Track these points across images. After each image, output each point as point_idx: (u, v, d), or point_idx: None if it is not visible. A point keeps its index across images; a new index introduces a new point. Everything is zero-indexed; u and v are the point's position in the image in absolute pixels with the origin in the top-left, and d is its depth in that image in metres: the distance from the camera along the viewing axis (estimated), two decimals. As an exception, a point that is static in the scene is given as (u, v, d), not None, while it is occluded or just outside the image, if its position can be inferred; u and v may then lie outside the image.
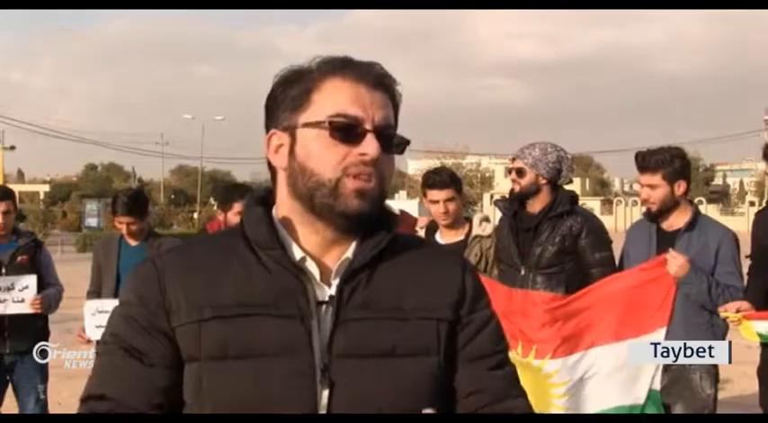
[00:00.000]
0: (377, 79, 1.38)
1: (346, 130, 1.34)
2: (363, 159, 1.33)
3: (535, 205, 3.99)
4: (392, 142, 1.39)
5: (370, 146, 1.33)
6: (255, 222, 1.39)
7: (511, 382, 1.46)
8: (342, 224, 1.36)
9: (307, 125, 1.36)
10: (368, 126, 1.35)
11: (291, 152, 1.38)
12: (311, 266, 1.36)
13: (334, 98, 1.36)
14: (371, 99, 1.36)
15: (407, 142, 1.42)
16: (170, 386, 1.35)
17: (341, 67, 1.38)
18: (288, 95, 1.39)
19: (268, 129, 1.42)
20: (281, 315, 1.32)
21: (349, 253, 1.38)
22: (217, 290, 1.34)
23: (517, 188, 3.99)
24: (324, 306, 1.34)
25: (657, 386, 3.62)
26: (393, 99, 1.41)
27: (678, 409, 3.77)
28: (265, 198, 1.45)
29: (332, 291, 1.36)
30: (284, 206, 1.41)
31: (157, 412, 1.34)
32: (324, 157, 1.34)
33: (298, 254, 1.37)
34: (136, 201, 4.76)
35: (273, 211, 1.43)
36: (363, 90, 1.36)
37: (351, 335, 1.33)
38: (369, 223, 1.38)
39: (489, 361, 1.43)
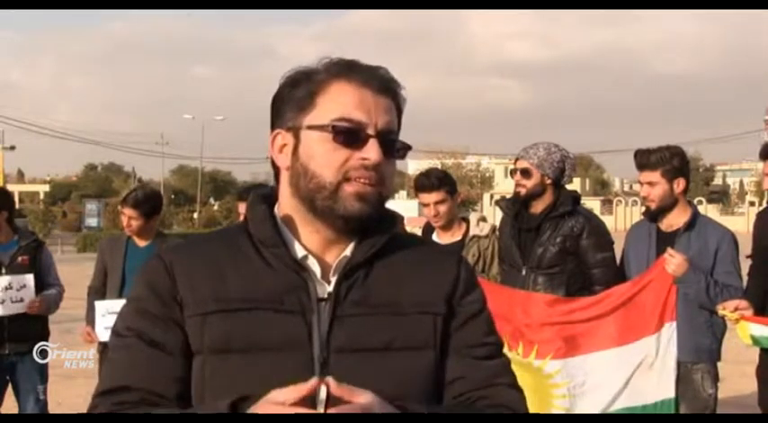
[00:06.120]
0: (382, 84, 1.40)
1: (349, 135, 1.35)
2: (365, 164, 1.35)
3: (538, 206, 3.99)
4: (394, 147, 1.41)
5: (372, 151, 1.35)
6: (259, 220, 1.41)
7: (498, 372, 1.44)
8: (342, 226, 1.38)
9: (311, 127, 1.38)
10: (371, 131, 1.36)
11: (295, 153, 1.40)
12: (312, 264, 1.39)
13: (339, 101, 1.37)
14: (375, 103, 1.38)
15: (409, 147, 1.44)
16: (188, 375, 1.37)
17: (347, 70, 1.40)
18: (294, 96, 1.41)
19: (273, 128, 1.44)
20: (284, 310, 1.35)
21: (347, 251, 1.40)
22: (221, 284, 1.37)
23: (523, 191, 3.98)
24: (323, 303, 1.37)
25: (671, 393, 3.60)
26: (397, 104, 1.43)
27: (680, 410, 3.77)
28: (268, 196, 1.47)
29: (330, 288, 1.38)
30: (286, 205, 1.43)
31: (178, 402, 1.34)
32: (326, 160, 1.36)
33: (300, 252, 1.39)
34: (148, 199, 4.80)
35: (276, 209, 1.45)
36: (368, 94, 1.38)
37: (348, 330, 1.35)
38: (369, 225, 1.40)
39: (477, 351, 1.43)
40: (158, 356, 1.36)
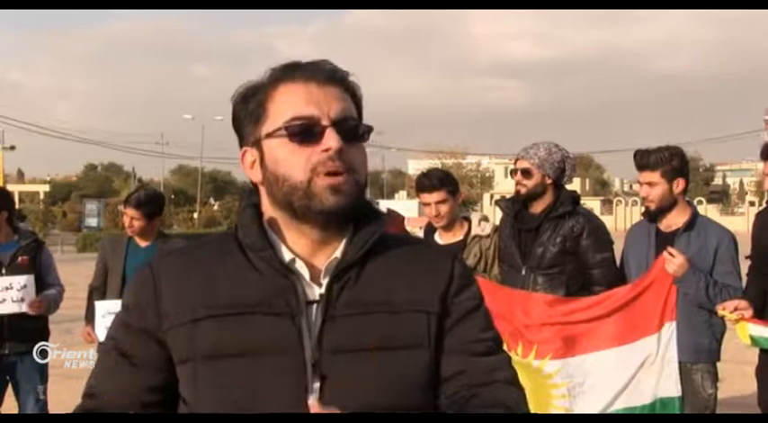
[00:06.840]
0: (326, 74, 1.41)
1: (304, 132, 1.37)
2: (328, 155, 1.35)
3: (538, 206, 3.99)
4: (357, 132, 1.41)
5: (330, 140, 1.36)
6: (247, 225, 1.42)
7: (496, 368, 1.43)
8: (323, 222, 1.38)
9: (268, 135, 1.39)
10: (325, 122, 1.37)
11: (263, 164, 1.41)
12: (300, 267, 1.39)
13: (288, 103, 1.39)
14: (324, 94, 1.39)
15: (371, 129, 1.44)
16: (159, 386, 1.41)
17: (289, 70, 1.42)
18: (247, 111, 1.43)
19: (240, 146, 1.46)
20: (273, 313, 1.35)
21: (337, 252, 1.40)
22: (211, 291, 1.38)
23: (524, 190, 3.97)
24: (314, 305, 1.37)
25: (674, 393, 3.60)
26: (349, 90, 1.43)
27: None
28: (258, 204, 1.48)
29: (322, 290, 1.38)
30: (269, 216, 1.44)
31: (145, 410, 1.41)
32: (291, 162, 1.37)
33: (287, 255, 1.39)
34: (150, 199, 4.80)
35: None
36: (314, 87, 1.39)
37: (340, 331, 1.35)
38: (351, 217, 1.40)
39: (474, 347, 1.42)
40: (126, 368, 1.42)
